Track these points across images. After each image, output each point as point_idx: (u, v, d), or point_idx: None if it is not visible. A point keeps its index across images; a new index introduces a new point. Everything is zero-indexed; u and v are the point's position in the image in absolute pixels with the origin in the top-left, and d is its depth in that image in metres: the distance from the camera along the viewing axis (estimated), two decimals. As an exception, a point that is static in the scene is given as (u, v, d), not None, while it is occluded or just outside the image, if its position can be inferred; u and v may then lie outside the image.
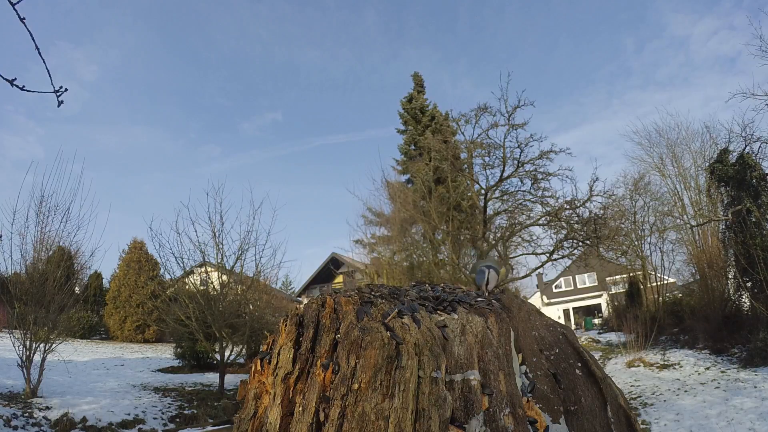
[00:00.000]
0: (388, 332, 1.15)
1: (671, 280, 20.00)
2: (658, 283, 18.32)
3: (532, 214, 15.34)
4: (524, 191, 15.24)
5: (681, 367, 12.02)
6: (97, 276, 22.75)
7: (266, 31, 66.40)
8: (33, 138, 59.06)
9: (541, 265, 15.23)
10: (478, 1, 59.20)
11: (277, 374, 1.18)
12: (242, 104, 68.09)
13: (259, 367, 1.29)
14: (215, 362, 13.66)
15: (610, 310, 26.60)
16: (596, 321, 32.65)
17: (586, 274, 36.95)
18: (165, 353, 17.13)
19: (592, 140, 56.59)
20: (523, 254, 16.18)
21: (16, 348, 8.73)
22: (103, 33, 59.31)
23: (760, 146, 12.48)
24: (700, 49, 52.40)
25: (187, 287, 12.69)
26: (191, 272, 12.89)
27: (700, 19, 51.25)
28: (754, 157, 12.43)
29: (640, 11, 54.79)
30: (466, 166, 16.77)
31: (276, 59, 67.05)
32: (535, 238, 15.46)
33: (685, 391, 9.82)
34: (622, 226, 15.65)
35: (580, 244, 14.42)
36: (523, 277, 16.65)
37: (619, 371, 12.86)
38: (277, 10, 65.77)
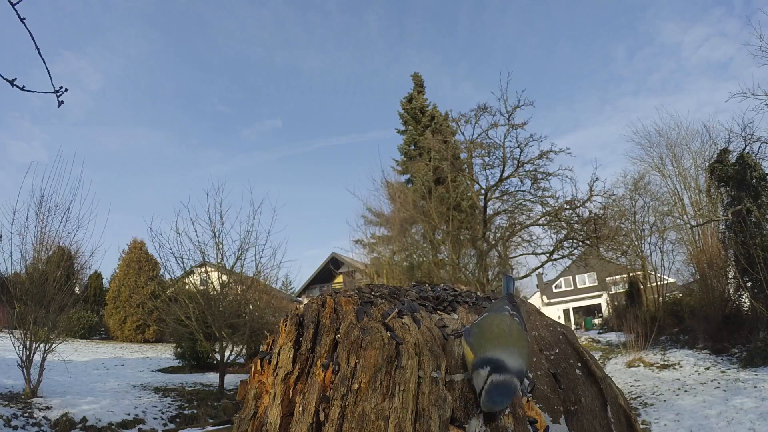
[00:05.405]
0: (388, 332, 1.15)
1: (671, 280, 20.01)
2: (658, 283, 18.32)
3: (532, 214, 15.38)
4: (524, 191, 15.28)
5: (681, 367, 12.02)
6: (97, 276, 22.75)
7: (269, 35, 66.34)
8: (38, 143, 59.08)
9: (541, 265, 15.26)
10: (479, 6, 59.29)
11: (277, 374, 1.18)
12: (243, 111, 68.00)
13: (259, 367, 1.29)
14: (215, 362, 13.66)
15: (610, 310, 26.61)
16: (596, 321, 32.67)
17: (586, 274, 36.96)
18: (165, 353, 17.14)
19: (587, 145, 56.82)
20: (523, 254, 16.22)
21: (16, 348, 8.73)
22: (106, 39, 59.27)
23: (760, 146, 12.49)
24: (692, 56, 52.70)
25: (187, 287, 12.69)
26: (191, 272, 12.89)
27: (691, 27, 51.54)
28: (754, 157, 12.43)
29: (631, 20, 55.06)
30: (466, 166, 16.78)
31: (277, 63, 66.96)
32: (535, 238, 15.50)
33: (685, 391, 9.83)
34: (622, 226, 15.68)
35: (580, 244, 14.44)
36: (523, 277, 16.68)
37: (619, 371, 12.86)
38: (280, 14, 65.72)
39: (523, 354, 1.04)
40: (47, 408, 8.04)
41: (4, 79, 1.81)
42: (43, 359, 9.01)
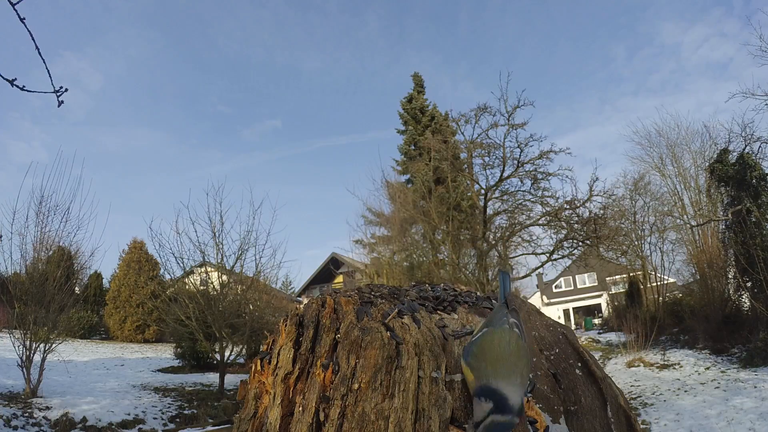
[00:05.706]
0: (388, 332, 1.15)
1: (671, 280, 20.01)
2: (658, 283, 18.32)
3: (532, 214, 15.37)
4: (524, 191, 15.27)
5: (681, 367, 12.02)
6: (97, 276, 22.75)
7: (269, 35, 66.32)
8: (38, 143, 59.09)
9: (541, 265, 15.25)
10: (479, 6, 59.32)
11: (277, 374, 1.18)
12: (243, 111, 67.96)
13: (259, 367, 1.29)
14: (215, 362, 13.66)
15: (610, 310, 26.60)
16: (596, 321, 32.66)
17: (586, 274, 36.96)
18: (165, 353, 17.14)
19: (587, 145, 56.89)
20: (523, 254, 16.21)
21: (16, 348, 8.73)
22: (106, 39, 59.22)
23: (760, 146, 12.50)
24: (692, 56, 52.75)
25: (187, 287, 12.69)
26: (191, 272, 12.89)
27: (691, 27, 51.61)
28: (754, 157, 12.43)
29: (631, 20, 55.11)
30: (466, 166, 16.78)
31: (278, 63, 66.96)
32: (535, 238, 15.49)
33: (685, 391, 9.83)
34: (622, 226, 15.68)
35: (580, 244, 14.44)
36: (523, 277, 16.68)
37: (619, 371, 12.86)
38: (280, 14, 65.74)
39: (524, 379, 1.00)
40: (47, 408, 8.04)
41: (4, 79, 1.81)
42: (43, 359, 9.02)
